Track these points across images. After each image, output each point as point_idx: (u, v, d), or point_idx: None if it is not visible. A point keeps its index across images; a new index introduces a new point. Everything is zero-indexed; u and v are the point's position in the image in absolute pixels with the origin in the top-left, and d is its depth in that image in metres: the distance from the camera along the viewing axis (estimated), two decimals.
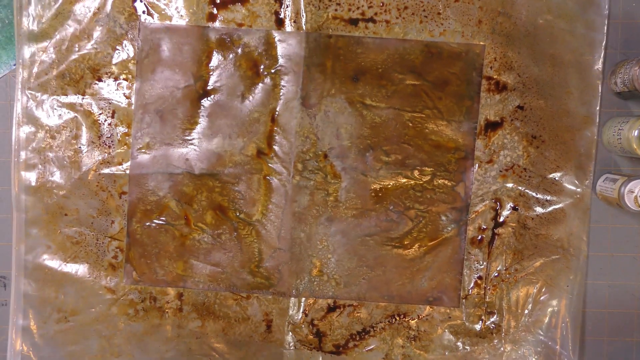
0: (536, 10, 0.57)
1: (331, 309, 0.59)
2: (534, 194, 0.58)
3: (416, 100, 0.57)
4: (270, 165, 0.58)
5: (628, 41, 0.57)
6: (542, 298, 0.58)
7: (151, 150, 0.58)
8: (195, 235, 0.58)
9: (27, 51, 0.57)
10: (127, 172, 0.58)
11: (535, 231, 0.58)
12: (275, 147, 0.58)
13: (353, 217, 0.58)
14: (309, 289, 0.59)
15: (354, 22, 0.57)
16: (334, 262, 0.59)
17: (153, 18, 0.57)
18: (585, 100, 0.57)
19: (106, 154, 0.58)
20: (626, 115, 0.57)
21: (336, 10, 0.57)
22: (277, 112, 0.57)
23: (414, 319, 0.59)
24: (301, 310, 0.59)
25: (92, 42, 0.57)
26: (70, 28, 0.57)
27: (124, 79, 0.57)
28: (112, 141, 0.58)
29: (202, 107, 0.58)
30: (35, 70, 0.57)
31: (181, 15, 0.57)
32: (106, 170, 0.58)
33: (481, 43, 0.57)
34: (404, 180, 0.58)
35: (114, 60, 0.57)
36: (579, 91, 0.57)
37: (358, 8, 0.57)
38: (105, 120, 0.58)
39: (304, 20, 0.57)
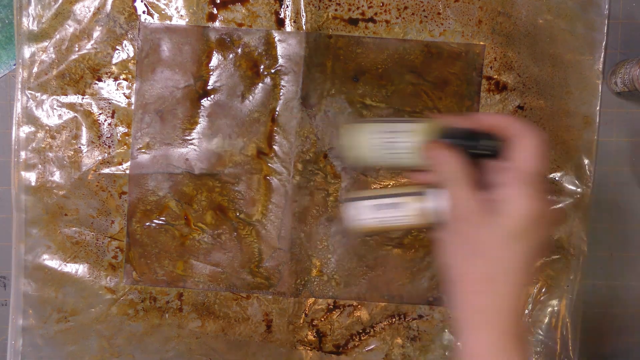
0: (536, 10, 0.57)
1: (331, 309, 0.59)
2: None
3: (416, 100, 0.57)
4: (270, 165, 0.58)
5: (628, 41, 0.57)
6: (542, 298, 0.58)
7: (151, 150, 0.58)
8: (195, 235, 0.58)
9: (27, 51, 0.57)
10: (127, 172, 0.58)
11: None
12: (275, 147, 0.58)
13: None
14: (309, 289, 0.59)
15: (354, 22, 0.57)
16: (334, 262, 0.58)
17: (153, 18, 0.57)
18: (585, 100, 0.57)
19: (106, 154, 0.58)
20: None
21: (336, 10, 0.57)
22: (277, 112, 0.57)
23: (414, 319, 0.59)
24: (301, 310, 0.59)
25: (92, 42, 0.57)
26: (70, 28, 0.57)
27: (124, 79, 0.57)
28: (112, 141, 0.58)
29: (202, 107, 0.58)
30: (35, 70, 0.57)
31: (181, 15, 0.57)
32: (106, 170, 0.58)
33: (481, 43, 0.57)
34: (404, 180, 0.58)
35: (114, 60, 0.57)
36: (579, 91, 0.57)
37: (358, 8, 0.57)
38: (105, 120, 0.58)
39: (304, 20, 0.56)
